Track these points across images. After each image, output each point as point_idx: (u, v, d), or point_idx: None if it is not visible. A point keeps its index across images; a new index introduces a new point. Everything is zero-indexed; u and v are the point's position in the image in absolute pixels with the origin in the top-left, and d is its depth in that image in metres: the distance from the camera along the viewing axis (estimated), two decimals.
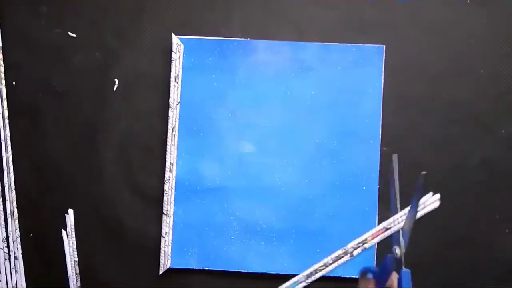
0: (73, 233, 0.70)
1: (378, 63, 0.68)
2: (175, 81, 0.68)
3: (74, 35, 0.71)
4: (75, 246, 0.70)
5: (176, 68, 0.68)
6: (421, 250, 0.68)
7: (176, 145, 0.68)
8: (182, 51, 0.68)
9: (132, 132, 0.70)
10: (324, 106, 0.68)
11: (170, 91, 0.68)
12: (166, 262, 0.68)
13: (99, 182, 0.70)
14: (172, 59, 0.68)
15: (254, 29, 0.69)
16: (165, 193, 0.68)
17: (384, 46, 0.68)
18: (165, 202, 0.68)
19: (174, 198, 0.68)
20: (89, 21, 0.71)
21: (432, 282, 0.68)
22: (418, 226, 0.68)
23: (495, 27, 0.69)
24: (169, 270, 0.68)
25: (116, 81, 0.70)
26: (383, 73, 0.68)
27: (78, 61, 0.71)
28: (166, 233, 0.68)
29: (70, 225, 0.70)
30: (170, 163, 0.68)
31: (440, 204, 0.68)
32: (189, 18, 0.70)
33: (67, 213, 0.70)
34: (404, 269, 0.47)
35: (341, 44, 0.68)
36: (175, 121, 0.68)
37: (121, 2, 0.71)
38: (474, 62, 0.69)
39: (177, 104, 0.68)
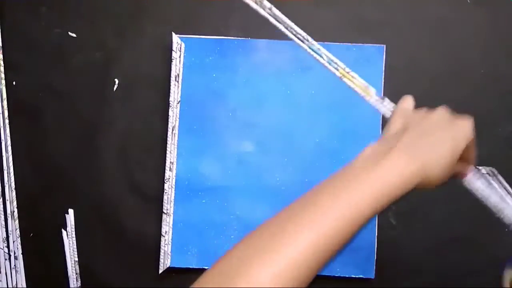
0: (73, 233, 0.70)
1: (378, 63, 0.68)
2: (175, 80, 0.68)
3: (74, 35, 0.71)
4: (75, 246, 0.70)
5: (177, 67, 0.68)
6: (420, 250, 0.68)
7: (176, 144, 0.68)
8: (182, 50, 0.68)
9: (132, 131, 0.70)
10: (324, 106, 0.68)
11: (171, 90, 0.68)
12: (166, 261, 0.68)
13: (99, 182, 0.70)
14: (172, 58, 0.68)
15: (254, 29, 0.69)
16: (165, 192, 0.68)
17: (384, 46, 0.68)
18: (165, 201, 0.68)
19: (174, 197, 0.68)
20: (89, 21, 0.71)
21: (431, 282, 0.68)
22: (418, 225, 0.68)
23: (495, 27, 0.69)
24: (169, 269, 0.68)
25: (116, 81, 0.70)
26: (383, 73, 0.68)
27: (78, 61, 0.71)
28: (166, 232, 0.68)
29: (70, 225, 0.70)
30: (170, 162, 0.68)
31: (440, 204, 0.68)
32: (189, 18, 0.70)
33: (67, 213, 0.70)
34: None
35: (341, 44, 0.68)
36: (175, 120, 0.68)
37: (121, 2, 0.71)
38: (474, 62, 0.69)
39: (178, 103, 0.68)
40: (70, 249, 0.70)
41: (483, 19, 0.69)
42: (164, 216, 0.68)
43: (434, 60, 0.69)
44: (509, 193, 0.57)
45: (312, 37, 0.70)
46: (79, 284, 0.70)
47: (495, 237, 0.68)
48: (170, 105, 0.68)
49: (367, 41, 0.68)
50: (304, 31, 0.70)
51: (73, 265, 0.70)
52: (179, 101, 0.69)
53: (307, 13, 0.70)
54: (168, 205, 0.68)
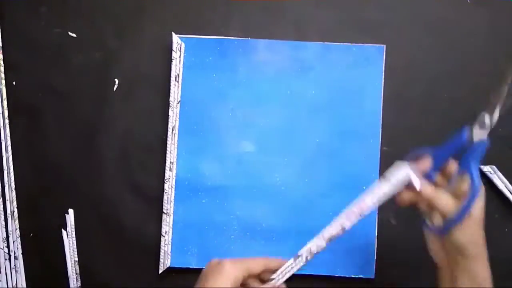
0: (73, 233, 0.70)
1: (378, 63, 0.68)
2: (175, 80, 0.68)
3: (74, 35, 0.71)
4: (75, 246, 0.70)
5: (177, 67, 0.68)
6: (420, 250, 0.68)
7: (176, 144, 0.68)
8: (182, 50, 0.68)
9: (132, 131, 0.70)
10: (324, 105, 0.68)
11: (171, 90, 0.68)
12: (166, 261, 0.68)
13: (99, 182, 0.70)
14: (172, 58, 0.68)
15: (254, 29, 0.69)
16: (165, 192, 0.68)
17: (384, 46, 0.68)
18: (165, 201, 0.68)
19: (174, 197, 0.68)
20: (89, 21, 0.71)
21: (431, 282, 0.68)
22: (418, 225, 0.68)
23: (495, 27, 0.69)
24: (169, 269, 0.68)
25: (116, 81, 0.71)
26: (383, 73, 0.68)
27: (78, 61, 0.71)
28: (166, 232, 0.68)
29: (70, 225, 0.70)
30: (170, 162, 0.68)
31: None
32: (189, 18, 0.70)
33: (67, 213, 0.70)
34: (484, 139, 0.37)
35: (341, 44, 0.68)
36: (175, 120, 0.68)
37: (121, 2, 0.71)
38: (474, 62, 0.69)
39: (178, 103, 0.68)
40: (70, 249, 0.70)
41: (483, 19, 0.69)
42: (164, 216, 0.68)
43: (434, 60, 0.69)
44: (509, 190, 0.57)
45: (312, 37, 0.70)
46: (79, 284, 0.70)
47: (495, 237, 0.68)
48: (170, 105, 0.68)
49: (367, 41, 0.68)
50: (305, 30, 0.70)
51: (73, 265, 0.70)
52: (179, 101, 0.69)
53: (307, 13, 0.70)
54: (168, 205, 0.68)
